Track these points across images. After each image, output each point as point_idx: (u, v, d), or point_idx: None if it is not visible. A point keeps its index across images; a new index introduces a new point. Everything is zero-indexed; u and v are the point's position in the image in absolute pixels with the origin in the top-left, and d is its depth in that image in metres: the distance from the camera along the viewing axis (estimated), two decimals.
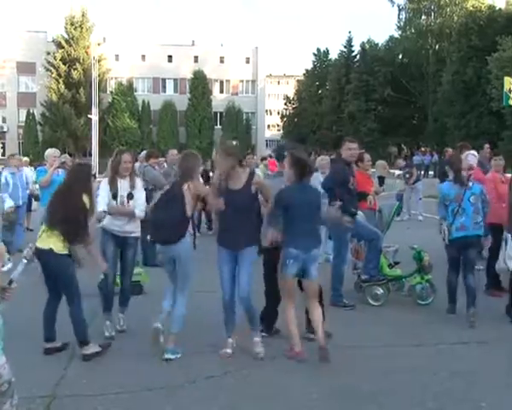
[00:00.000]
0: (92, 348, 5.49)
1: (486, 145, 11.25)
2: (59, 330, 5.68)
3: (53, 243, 5.42)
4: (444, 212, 7.02)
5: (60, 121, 51.23)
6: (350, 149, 7.53)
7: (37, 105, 53.95)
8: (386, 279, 7.63)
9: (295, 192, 5.58)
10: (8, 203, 10.58)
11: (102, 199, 6.21)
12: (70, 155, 15.86)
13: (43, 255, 5.40)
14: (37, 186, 10.42)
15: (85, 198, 5.55)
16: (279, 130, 78.30)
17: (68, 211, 5.44)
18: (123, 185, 6.33)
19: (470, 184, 6.98)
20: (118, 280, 6.51)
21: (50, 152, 9.60)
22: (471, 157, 8.83)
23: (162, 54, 58.38)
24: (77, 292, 5.54)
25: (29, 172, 14.11)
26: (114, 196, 6.27)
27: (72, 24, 53.19)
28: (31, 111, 54.39)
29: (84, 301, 5.65)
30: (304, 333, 5.94)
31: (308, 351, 5.71)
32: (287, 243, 5.52)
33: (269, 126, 78.83)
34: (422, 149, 48.01)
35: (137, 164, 11.59)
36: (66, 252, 5.45)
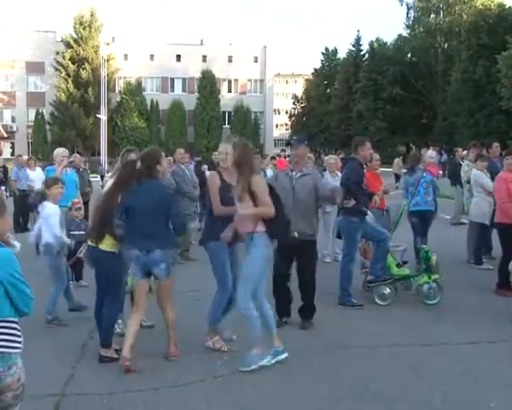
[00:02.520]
0: (110, 353, 5.47)
1: (495, 144, 11.09)
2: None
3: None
4: (407, 193, 9.48)
5: (68, 121, 51.37)
6: (369, 149, 7.71)
7: (46, 105, 54.08)
8: (393, 279, 7.63)
9: (135, 193, 5.36)
10: None
11: None
12: (80, 154, 15.84)
13: (93, 253, 5.58)
14: None
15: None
16: (287, 129, 78.22)
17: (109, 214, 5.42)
18: None
19: (424, 174, 9.31)
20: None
21: (59, 151, 9.65)
22: (428, 158, 10.81)
23: (171, 53, 58.43)
24: (117, 293, 5.56)
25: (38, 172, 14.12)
26: None
27: (81, 24, 53.37)
28: (40, 111, 54.55)
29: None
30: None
31: (314, 350, 5.71)
32: (128, 245, 5.35)
33: (277, 126, 78.75)
34: (431, 148, 47.71)
35: None
36: (114, 250, 5.45)
